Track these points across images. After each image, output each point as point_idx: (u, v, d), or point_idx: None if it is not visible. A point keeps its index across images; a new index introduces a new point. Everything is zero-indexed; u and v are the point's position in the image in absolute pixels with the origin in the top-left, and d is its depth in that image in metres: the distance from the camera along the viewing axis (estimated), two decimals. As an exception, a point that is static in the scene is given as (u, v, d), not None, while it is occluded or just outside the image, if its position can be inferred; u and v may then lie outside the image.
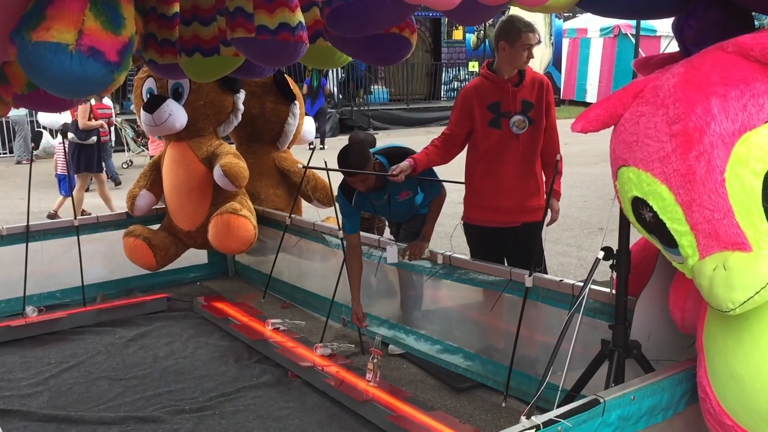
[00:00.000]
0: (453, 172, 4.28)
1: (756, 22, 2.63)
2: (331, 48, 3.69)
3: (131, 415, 3.65)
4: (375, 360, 3.77)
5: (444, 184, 4.13)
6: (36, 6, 2.49)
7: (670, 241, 2.14)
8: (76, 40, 2.44)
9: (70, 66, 2.45)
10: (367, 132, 5.54)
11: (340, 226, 4.31)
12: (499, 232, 3.94)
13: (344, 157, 3.86)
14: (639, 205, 2.19)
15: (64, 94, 2.70)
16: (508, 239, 3.95)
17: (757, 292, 1.91)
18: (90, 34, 2.47)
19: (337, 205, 4.52)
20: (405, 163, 3.89)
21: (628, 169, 2.18)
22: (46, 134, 11.24)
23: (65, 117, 10.79)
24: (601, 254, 2.66)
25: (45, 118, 11.58)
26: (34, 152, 11.36)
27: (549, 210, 3.81)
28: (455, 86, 21.77)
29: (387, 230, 5.10)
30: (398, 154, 4.01)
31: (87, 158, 8.54)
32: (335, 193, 4.46)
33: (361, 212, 4.28)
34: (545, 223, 3.81)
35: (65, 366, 4.30)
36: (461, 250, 4.20)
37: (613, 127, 2.30)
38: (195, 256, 5.94)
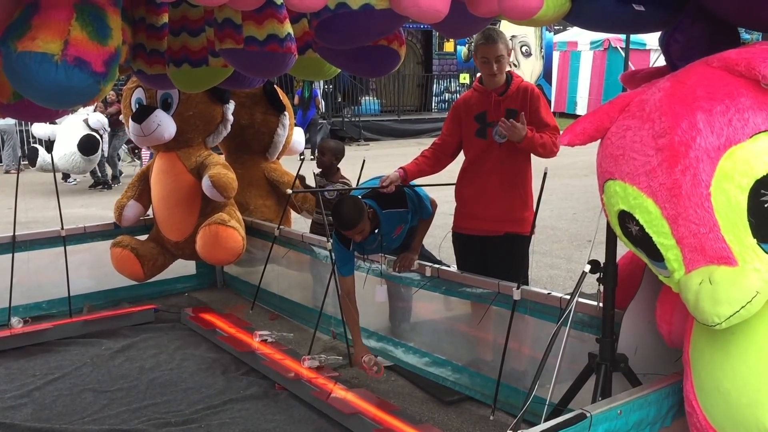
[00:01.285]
0: (442, 182, 4.27)
1: (747, 36, 2.65)
2: (320, 60, 3.69)
3: (116, 428, 3.61)
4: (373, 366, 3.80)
5: (434, 201, 4.12)
6: (22, 15, 2.48)
7: (656, 255, 2.14)
8: (62, 50, 2.44)
9: (56, 76, 2.44)
10: (338, 141, 5.53)
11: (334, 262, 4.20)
12: (482, 241, 3.94)
13: (338, 212, 3.69)
14: (625, 218, 2.19)
15: (49, 104, 2.68)
16: (491, 249, 3.92)
17: (742, 306, 1.92)
18: (76, 45, 2.46)
19: (326, 218, 4.52)
20: (395, 174, 3.89)
21: (615, 182, 2.19)
22: (42, 151, 11.14)
23: (66, 127, 10.85)
24: (587, 267, 2.66)
25: (39, 129, 11.47)
26: (32, 168, 11.31)
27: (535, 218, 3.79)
28: (446, 98, 21.85)
29: None
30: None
31: None
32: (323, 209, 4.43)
33: None
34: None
35: (50, 378, 4.25)
36: (449, 261, 4.19)
37: (599, 140, 2.31)
38: (183, 267, 5.90)
